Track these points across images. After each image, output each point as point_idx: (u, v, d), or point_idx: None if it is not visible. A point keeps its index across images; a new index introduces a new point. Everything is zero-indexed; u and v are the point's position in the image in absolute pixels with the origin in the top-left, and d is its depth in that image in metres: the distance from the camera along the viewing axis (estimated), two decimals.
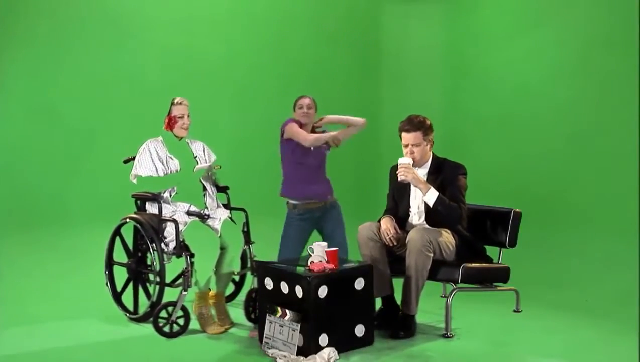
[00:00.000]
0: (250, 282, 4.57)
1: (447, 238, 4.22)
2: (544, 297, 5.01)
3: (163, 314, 4.17)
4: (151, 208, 4.51)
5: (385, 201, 4.58)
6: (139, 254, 4.60)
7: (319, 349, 3.72)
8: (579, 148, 6.14)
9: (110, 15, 6.53)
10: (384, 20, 7.70)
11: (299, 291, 3.77)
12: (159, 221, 4.37)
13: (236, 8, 7.05)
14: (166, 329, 4.17)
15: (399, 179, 4.18)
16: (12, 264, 5.71)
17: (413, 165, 4.21)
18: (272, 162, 7.04)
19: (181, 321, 4.21)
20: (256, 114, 7.09)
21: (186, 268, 4.25)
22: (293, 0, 7.31)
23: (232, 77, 7.01)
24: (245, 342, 4.09)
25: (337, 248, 4.06)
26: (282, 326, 3.81)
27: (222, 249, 4.36)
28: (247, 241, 4.58)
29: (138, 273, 4.59)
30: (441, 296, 4.97)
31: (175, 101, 4.55)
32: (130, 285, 4.63)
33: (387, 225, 4.23)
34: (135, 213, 4.57)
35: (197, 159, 4.63)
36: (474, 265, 4.24)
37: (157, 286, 4.31)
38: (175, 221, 4.27)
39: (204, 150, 4.69)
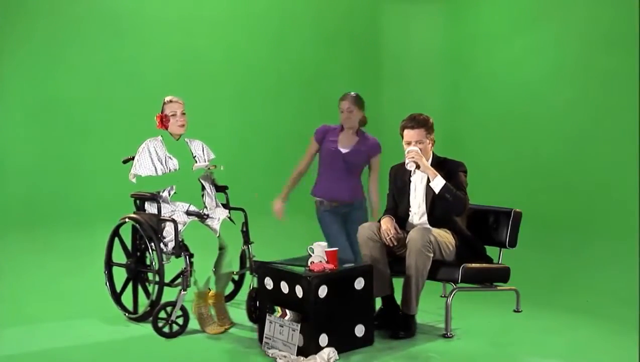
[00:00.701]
0: (250, 282, 4.56)
1: (447, 238, 4.23)
2: (544, 297, 5.01)
3: (162, 314, 4.17)
4: (150, 208, 4.51)
5: (385, 201, 4.59)
6: (138, 254, 4.60)
7: (319, 349, 3.72)
8: (579, 148, 6.13)
9: (109, 15, 6.52)
10: (384, 20, 7.69)
11: (299, 291, 3.77)
12: (158, 220, 4.36)
13: (236, 8, 7.04)
14: (165, 329, 4.16)
15: (406, 165, 4.19)
16: (11, 264, 5.71)
17: (416, 161, 4.24)
18: (271, 162, 7.05)
19: (180, 321, 4.21)
20: (256, 114, 7.09)
21: (185, 268, 4.25)
22: (293, 0, 7.31)
23: (232, 77, 7.00)
24: (245, 342, 4.08)
25: (337, 248, 4.06)
26: (282, 326, 3.80)
27: (221, 248, 4.35)
28: (246, 241, 4.58)
29: (137, 273, 4.59)
30: (441, 296, 4.97)
31: (166, 100, 4.56)
32: (130, 285, 4.62)
33: (387, 225, 4.23)
34: (134, 213, 4.57)
35: (196, 158, 4.63)
36: (474, 265, 4.24)
37: (156, 286, 4.31)
38: (174, 221, 4.26)
39: (202, 150, 4.69)
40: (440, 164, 4.30)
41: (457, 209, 4.22)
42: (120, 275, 4.66)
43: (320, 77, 7.28)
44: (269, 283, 3.98)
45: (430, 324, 4.41)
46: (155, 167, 4.47)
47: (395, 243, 4.23)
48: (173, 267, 4.42)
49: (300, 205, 6.55)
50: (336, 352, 3.73)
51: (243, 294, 4.73)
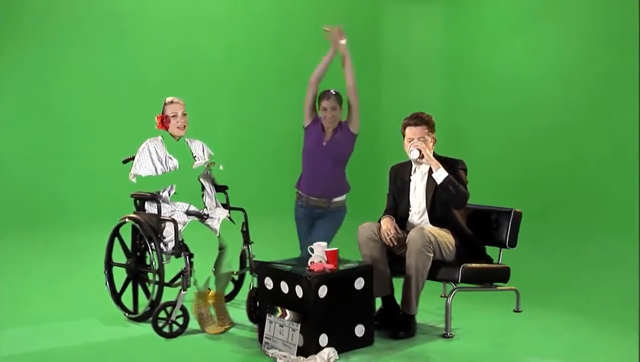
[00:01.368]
0: (250, 282, 4.56)
1: (447, 238, 4.23)
2: (544, 297, 5.00)
3: (162, 314, 4.17)
4: (150, 208, 4.51)
5: (385, 201, 4.59)
6: (138, 254, 4.60)
7: (319, 349, 3.72)
8: (579, 148, 6.14)
9: (109, 15, 6.53)
10: (384, 20, 7.69)
11: (299, 291, 3.77)
12: (158, 220, 4.36)
13: (236, 8, 7.04)
14: (165, 329, 4.16)
15: (410, 154, 4.22)
16: (11, 264, 5.71)
17: (415, 161, 4.27)
18: (271, 162, 7.06)
19: (180, 321, 4.20)
20: (256, 113, 7.09)
21: (185, 268, 4.25)
22: (293, 1, 7.31)
23: (232, 77, 7.01)
24: (245, 342, 4.08)
25: (337, 248, 4.06)
26: (282, 326, 3.80)
27: (221, 248, 4.35)
28: (246, 241, 4.58)
29: (137, 273, 4.59)
30: (441, 296, 4.97)
31: (167, 100, 4.55)
32: (130, 285, 4.62)
33: (388, 225, 4.23)
34: (134, 213, 4.57)
35: (197, 158, 4.62)
36: (474, 265, 4.24)
37: (156, 286, 4.31)
38: (174, 221, 4.26)
39: (203, 150, 4.68)
40: (441, 163, 4.30)
41: (459, 201, 4.23)
42: (120, 275, 4.66)
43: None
44: (269, 283, 3.98)
45: (430, 324, 4.41)
46: (155, 167, 4.47)
47: (396, 243, 4.23)
48: (173, 267, 4.41)
49: None
50: (336, 352, 3.73)
51: (243, 294, 4.73)
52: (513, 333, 4.26)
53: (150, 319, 4.19)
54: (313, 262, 3.91)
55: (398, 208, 4.45)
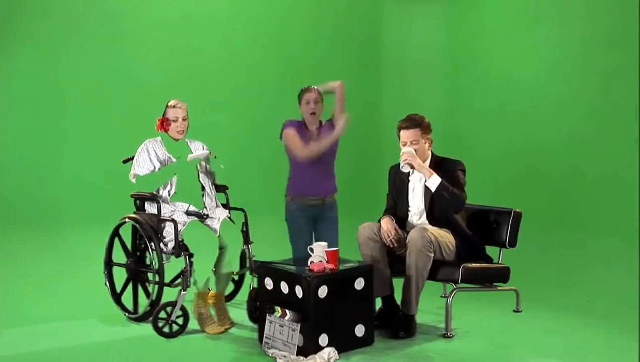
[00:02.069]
0: (250, 282, 4.56)
1: (447, 238, 4.23)
2: (544, 297, 5.00)
3: (162, 314, 4.17)
4: (150, 208, 4.51)
5: (385, 201, 4.59)
6: (138, 254, 4.60)
7: (319, 349, 3.72)
8: (579, 148, 6.13)
9: (109, 15, 6.51)
10: (384, 20, 7.69)
11: (299, 291, 3.77)
12: (158, 220, 4.36)
13: (236, 8, 7.04)
14: (165, 329, 4.16)
15: (402, 168, 4.21)
16: (10, 265, 5.70)
17: (410, 163, 4.24)
18: (271, 162, 7.04)
19: (180, 321, 4.20)
20: (255, 113, 7.08)
21: (185, 268, 4.25)
22: (293, 0, 7.30)
23: (232, 77, 7.00)
24: (245, 342, 4.08)
25: (337, 248, 4.05)
26: (282, 326, 3.80)
27: (221, 248, 4.35)
28: (246, 241, 4.58)
29: (137, 273, 4.59)
30: (441, 296, 4.97)
31: (170, 104, 4.54)
32: (130, 285, 4.62)
33: (388, 226, 4.23)
34: (134, 213, 4.57)
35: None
36: (474, 265, 4.24)
37: (156, 286, 4.31)
38: (174, 221, 4.26)
39: (202, 150, 4.68)
40: (439, 164, 4.30)
41: (455, 206, 4.22)
42: (120, 275, 4.66)
43: (320, 76, 7.21)
44: (269, 283, 3.98)
45: (430, 324, 4.41)
46: (154, 166, 4.47)
47: (396, 244, 4.23)
48: (173, 267, 4.41)
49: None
50: (336, 352, 3.73)
51: (243, 294, 4.73)
52: (513, 333, 4.26)
53: (150, 319, 4.19)
54: (313, 262, 3.91)
55: (397, 208, 4.45)
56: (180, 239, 4.28)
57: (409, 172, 4.36)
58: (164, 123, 4.51)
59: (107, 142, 6.41)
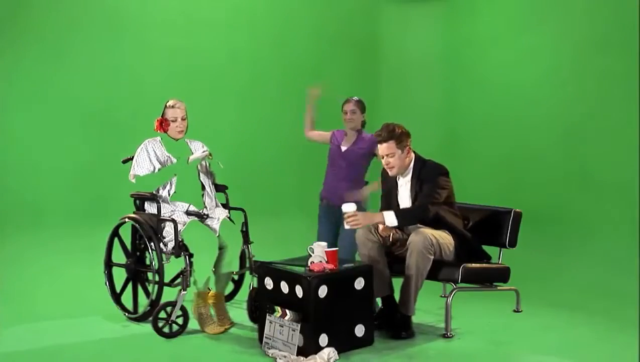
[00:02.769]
0: (250, 282, 4.56)
1: (447, 239, 4.22)
2: (544, 297, 5.01)
3: (162, 314, 4.16)
4: (150, 208, 4.51)
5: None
6: (138, 254, 4.60)
7: (319, 349, 3.72)
8: (577, 148, 6.13)
9: (110, 16, 6.51)
10: (384, 23, 7.69)
11: (299, 291, 3.77)
12: (158, 220, 4.36)
13: (237, 9, 7.04)
14: (165, 329, 4.16)
15: (347, 227, 4.14)
16: (12, 263, 5.71)
17: (394, 175, 4.26)
18: (271, 162, 7.05)
19: (180, 321, 4.20)
20: (257, 114, 7.09)
21: (185, 268, 4.25)
22: (294, 2, 7.31)
23: (234, 78, 6.99)
24: (245, 342, 4.08)
25: (337, 248, 4.06)
26: (282, 326, 3.80)
27: (221, 248, 4.35)
28: (246, 241, 4.58)
29: (137, 273, 4.59)
30: (441, 296, 4.97)
31: (169, 104, 4.54)
32: (130, 285, 4.62)
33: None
34: (134, 213, 4.57)
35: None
36: (474, 265, 4.24)
37: (156, 286, 4.31)
38: (174, 221, 4.26)
39: (202, 149, 4.68)
40: (420, 168, 4.27)
41: (421, 219, 4.18)
42: (120, 275, 4.66)
43: (321, 79, 7.26)
44: (269, 283, 3.98)
45: (430, 324, 4.41)
46: (154, 166, 4.47)
47: (391, 241, 4.23)
48: (173, 267, 4.41)
49: (300, 205, 6.57)
50: (336, 352, 3.72)
51: (243, 294, 4.73)
52: (513, 333, 4.26)
53: (150, 319, 4.19)
54: (313, 262, 3.91)
55: (390, 209, 4.43)
56: (180, 239, 4.28)
57: (396, 176, 4.34)
58: (163, 124, 4.51)
59: (108, 141, 6.41)
